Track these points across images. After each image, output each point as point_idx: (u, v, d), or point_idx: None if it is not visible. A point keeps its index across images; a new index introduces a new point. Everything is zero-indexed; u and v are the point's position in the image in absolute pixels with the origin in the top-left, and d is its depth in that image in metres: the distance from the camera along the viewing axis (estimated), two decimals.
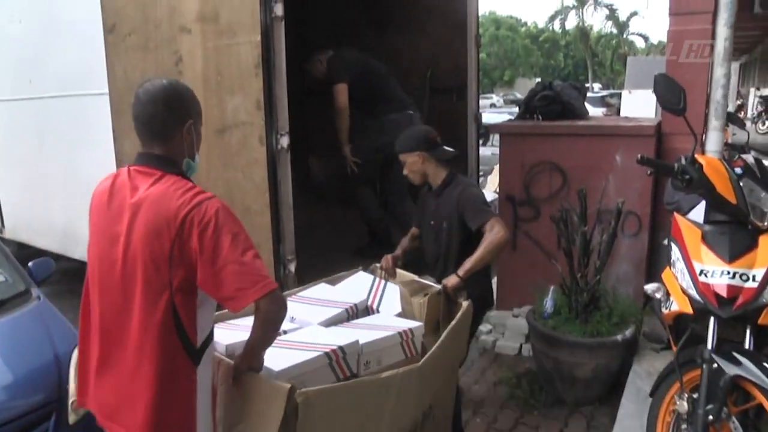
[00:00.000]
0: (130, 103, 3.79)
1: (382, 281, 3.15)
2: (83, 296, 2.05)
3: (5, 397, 2.67)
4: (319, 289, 3.00)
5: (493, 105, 35.99)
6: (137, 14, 3.70)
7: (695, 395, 2.50)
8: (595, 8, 49.39)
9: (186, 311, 1.83)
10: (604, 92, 24.15)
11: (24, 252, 5.38)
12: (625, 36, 50.65)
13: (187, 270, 1.80)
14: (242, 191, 3.53)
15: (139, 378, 1.83)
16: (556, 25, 52.53)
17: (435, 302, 2.94)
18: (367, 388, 2.30)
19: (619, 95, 17.49)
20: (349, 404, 2.20)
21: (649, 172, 3.22)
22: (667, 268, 2.76)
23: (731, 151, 3.54)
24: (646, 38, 50.12)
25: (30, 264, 3.68)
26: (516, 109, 6.29)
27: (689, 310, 2.56)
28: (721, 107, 4.15)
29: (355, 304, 2.84)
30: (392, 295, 3.04)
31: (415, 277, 3.27)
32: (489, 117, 9.76)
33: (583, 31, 50.28)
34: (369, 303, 2.95)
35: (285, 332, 2.36)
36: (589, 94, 5.71)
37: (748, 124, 17.60)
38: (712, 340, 2.50)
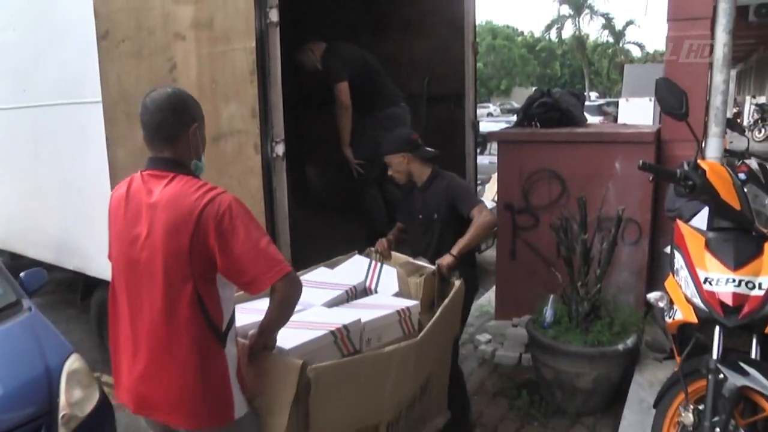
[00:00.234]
0: (123, 111, 3.85)
1: (378, 263, 3.35)
2: (110, 297, 2.19)
3: None
4: (319, 273, 3.19)
5: (490, 114, 36.09)
6: (131, 21, 3.65)
7: (701, 407, 2.45)
8: (591, 17, 49.52)
9: (209, 299, 1.98)
10: (601, 101, 24.20)
11: (17, 262, 5.33)
12: (621, 45, 50.79)
13: (206, 261, 1.94)
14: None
15: (173, 366, 1.98)
16: (553, 35, 52.61)
17: (430, 282, 3.17)
18: (372, 363, 2.49)
19: (616, 104, 17.49)
20: (355, 378, 2.39)
21: (650, 178, 3.16)
22: (671, 276, 2.71)
23: (730, 157, 3.51)
24: (642, 47, 50.17)
25: (21, 274, 3.63)
26: (513, 118, 6.27)
27: (694, 319, 2.51)
28: (720, 113, 4.12)
29: (354, 286, 3.01)
30: (389, 276, 3.22)
31: (410, 259, 3.44)
32: (486, 126, 9.74)
33: (579, 40, 50.41)
34: (367, 284, 3.13)
35: None
36: (586, 103, 5.70)
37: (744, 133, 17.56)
38: (718, 349, 2.45)
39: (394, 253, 3.53)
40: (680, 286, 2.61)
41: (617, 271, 4.39)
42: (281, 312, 2.06)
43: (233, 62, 3.31)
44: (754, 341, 2.50)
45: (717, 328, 2.46)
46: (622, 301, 4.15)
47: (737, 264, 2.47)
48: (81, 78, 4.22)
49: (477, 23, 5.31)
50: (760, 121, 20.24)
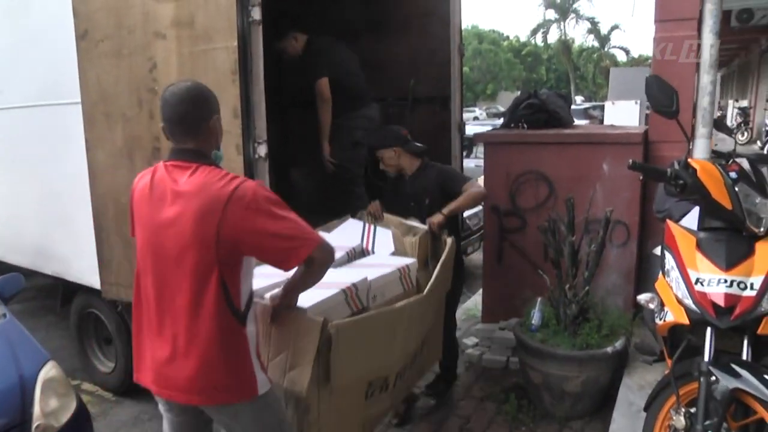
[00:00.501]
0: (103, 112, 3.77)
1: (372, 225, 3.60)
2: (135, 282, 2.27)
3: None
4: None
5: (476, 118, 36.13)
6: (110, 20, 3.56)
7: (692, 410, 2.41)
8: (576, 22, 49.96)
9: (232, 283, 2.09)
10: (587, 104, 24.33)
11: None
12: (606, 49, 51.20)
13: (233, 247, 2.05)
14: None
15: (198, 348, 2.08)
16: (539, 39, 53.04)
17: (424, 241, 3.41)
18: (386, 318, 2.71)
19: (602, 107, 17.55)
20: (371, 333, 2.61)
21: (640, 178, 3.15)
22: (661, 277, 2.67)
23: (717, 159, 3.48)
24: (627, 51, 50.65)
25: None
26: (499, 122, 6.24)
27: (685, 320, 2.47)
28: (708, 114, 4.11)
29: (353, 248, 3.16)
30: (383, 237, 3.45)
31: (402, 220, 3.66)
32: (472, 130, 9.73)
33: (565, 45, 50.79)
34: (364, 245, 3.30)
35: None
36: (572, 107, 5.70)
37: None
38: (710, 351, 2.41)
39: (386, 215, 3.75)
40: (671, 288, 2.57)
41: (605, 273, 4.35)
42: (313, 277, 2.22)
43: (215, 61, 3.24)
44: (745, 342, 2.46)
45: (709, 330, 2.42)
46: (610, 304, 4.12)
47: (729, 264, 2.43)
48: (59, 79, 4.13)
49: (463, 27, 5.27)
50: (742, 125, 20.43)
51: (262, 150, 3.29)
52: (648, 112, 6.80)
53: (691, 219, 2.75)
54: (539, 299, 4.01)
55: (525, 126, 5.00)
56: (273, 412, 2.28)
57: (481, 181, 4.77)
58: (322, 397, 2.46)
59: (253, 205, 2.03)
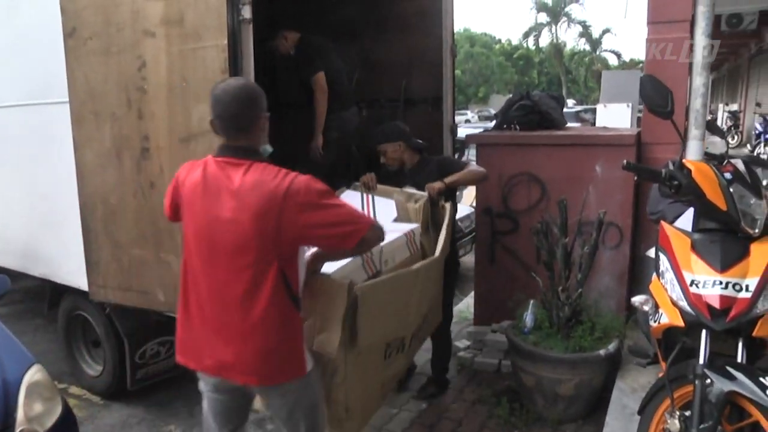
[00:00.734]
0: (91, 111, 3.71)
1: (369, 195, 3.75)
2: (182, 269, 2.39)
3: None
4: None
5: (468, 121, 36.11)
6: (99, 17, 3.51)
7: (687, 413, 2.38)
8: (568, 25, 50.14)
9: (290, 271, 2.24)
10: (579, 108, 24.37)
11: None
12: (598, 53, 51.40)
13: (292, 239, 2.19)
14: None
15: (258, 333, 2.21)
16: (530, 42, 53.18)
17: (426, 207, 3.54)
18: (405, 279, 2.89)
19: (594, 111, 17.60)
20: (392, 294, 2.80)
21: (634, 179, 3.12)
22: (656, 278, 2.64)
23: (710, 161, 3.46)
24: (619, 55, 50.84)
25: None
26: (491, 125, 6.21)
27: (680, 322, 2.45)
28: (700, 116, 4.09)
29: None
30: (383, 205, 3.60)
31: (397, 189, 3.79)
32: (464, 132, 9.72)
33: (556, 48, 50.95)
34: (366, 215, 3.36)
35: None
36: (564, 109, 5.68)
37: (718, 138, 17.81)
38: (705, 354, 2.38)
39: (379, 185, 3.87)
40: (666, 289, 2.54)
41: (598, 275, 4.33)
42: (356, 251, 2.44)
43: (204, 60, 3.19)
44: (740, 345, 2.43)
45: (704, 332, 2.39)
46: (603, 306, 4.09)
47: (724, 266, 2.40)
48: (47, 77, 4.07)
49: (455, 30, 5.25)
50: (733, 128, 20.54)
51: None
52: (640, 115, 6.79)
53: (685, 220, 2.73)
54: (532, 302, 3.98)
55: (517, 127, 4.99)
56: (315, 390, 2.46)
57: (471, 165, 4.77)
58: (348, 359, 2.61)
59: (308, 200, 2.15)
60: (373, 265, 2.87)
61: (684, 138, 3.97)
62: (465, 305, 5.75)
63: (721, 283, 2.38)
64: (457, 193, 7.06)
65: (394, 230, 3.13)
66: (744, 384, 2.26)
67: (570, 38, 53.79)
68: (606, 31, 52.36)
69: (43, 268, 4.69)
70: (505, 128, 5.10)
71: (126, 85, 3.50)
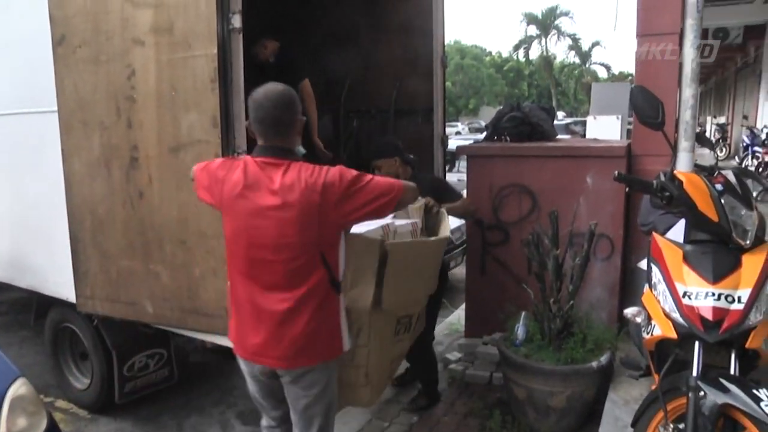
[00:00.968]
0: (80, 120, 3.68)
1: None
2: (228, 267, 2.59)
3: None
4: None
5: (458, 133, 36.36)
6: (88, 25, 3.49)
7: (681, 425, 2.37)
8: (558, 38, 50.55)
9: (332, 258, 2.44)
10: (569, 120, 24.53)
11: None
12: (587, 65, 51.82)
13: (334, 227, 2.41)
14: (197, 214, 3.31)
15: (301, 317, 2.39)
16: (520, 55, 53.51)
17: (422, 209, 3.61)
18: (427, 245, 3.27)
19: (583, 123, 17.70)
20: (413, 258, 3.07)
21: (626, 190, 3.13)
22: (648, 290, 2.63)
23: (700, 172, 3.47)
24: (608, 68, 51.30)
25: None
26: (481, 137, 6.22)
27: (673, 334, 2.43)
28: (690, 128, 4.10)
29: None
30: None
31: None
32: (454, 144, 9.74)
33: (546, 61, 51.32)
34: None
35: None
36: (554, 122, 5.70)
37: (706, 151, 18.01)
38: (698, 366, 2.36)
39: None
40: (658, 301, 2.53)
41: (589, 287, 4.32)
42: (396, 210, 2.64)
43: (194, 69, 3.18)
44: (733, 356, 2.43)
45: (697, 344, 2.38)
46: (594, 318, 4.08)
47: (716, 277, 2.40)
48: (35, 86, 4.04)
49: (445, 42, 5.26)
50: (721, 140, 20.68)
51: None
52: (629, 127, 6.80)
53: (677, 232, 2.72)
54: (523, 313, 3.96)
55: (508, 139, 4.98)
56: (334, 389, 2.67)
57: (464, 194, 4.76)
58: (372, 320, 2.86)
59: (343, 190, 2.33)
60: (390, 238, 3.09)
61: (674, 149, 3.98)
62: (456, 317, 5.72)
63: (713, 294, 2.37)
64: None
65: (399, 219, 3.34)
66: (737, 396, 2.25)
67: (560, 51, 54.33)
68: (595, 44, 53.12)
69: (30, 279, 4.63)
70: (495, 140, 5.09)
71: (115, 93, 3.48)
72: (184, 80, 3.22)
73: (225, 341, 3.48)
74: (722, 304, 2.35)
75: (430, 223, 3.62)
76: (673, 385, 2.45)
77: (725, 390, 2.27)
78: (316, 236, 2.36)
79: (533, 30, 50.48)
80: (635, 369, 3.21)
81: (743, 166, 14.04)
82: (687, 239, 2.59)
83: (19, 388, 2.70)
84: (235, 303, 2.57)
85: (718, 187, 2.55)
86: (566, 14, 49.70)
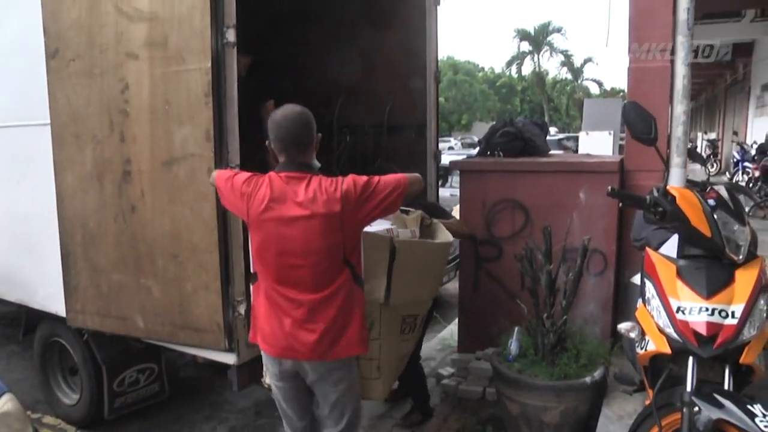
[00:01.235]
0: (73, 134, 3.66)
1: None
2: (259, 272, 2.74)
3: None
4: None
5: (451, 148, 36.38)
6: (82, 39, 3.49)
7: None
8: (551, 54, 50.80)
9: (354, 257, 2.69)
10: (561, 135, 24.64)
11: None
12: (579, 81, 52.12)
13: (355, 229, 2.66)
14: (189, 228, 3.31)
15: (329, 314, 2.62)
16: (513, 71, 53.78)
17: (419, 219, 3.73)
18: (430, 248, 3.47)
19: (576, 138, 17.81)
20: (420, 256, 3.32)
21: (619, 205, 3.13)
22: (642, 305, 2.63)
23: (693, 187, 3.49)
24: (600, 84, 51.64)
25: None
26: (474, 152, 6.23)
27: (667, 349, 2.43)
28: (682, 143, 4.12)
29: None
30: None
31: None
32: (447, 159, 9.78)
33: (539, 77, 51.56)
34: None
35: None
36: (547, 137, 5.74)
37: (698, 166, 18.10)
38: (692, 381, 2.36)
39: None
40: (652, 316, 2.53)
41: (583, 302, 4.31)
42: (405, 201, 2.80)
43: (188, 83, 3.18)
44: (727, 372, 2.42)
45: (691, 359, 2.38)
46: (588, 333, 4.07)
47: (710, 292, 2.40)
48: (28, 98, 4.03)
49: (438, 58, 5.28)
50: (711, 156, 20.82)
51: None
52: (622, 142, 6.85)
53: (670, 247, 2.73)
54: (516, 328, 3.95)
55: (501, 154, 4.99)
56: (358, 386, 2.92)
57: (456, 209, 4.76)
58: (383, 314, 3.09)
59: (358, 195, 2.57)
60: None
61: (666, 165, 4.00)
62: (449, 332, 5.70)
63: (707, 309, 2.37)
64: None
65: (399, 229, 3.49)
66: (732, 412, 2.24)
67: (552, 67, 54.51)
68: (588, 60, 53.19)
69: (19, 293, 4.59)
70: (489, 155, 5.10)
71: (108, 107, 3.47)
72: (178, 94, 3.22)
73: (216, 356, 3.47)
74: (716, 319, 2.35)
75: (425, 237, 3.64)
76: (667, 401, 2.45)
77: (720, 405, 2.27)
78: (341, 240, 2.58)
79: (526, 46, 50.73)
80: (629, 384, 3.20)
81: (734, 181, 14.13)
82: (680, 254, 2.59)
83: (5, 403, 2.66)
84: (264, 305, 2.73)
85: (711, 202, 2.56)
86: (558, 31, 49.87)
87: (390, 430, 4.09)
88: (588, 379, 3.64)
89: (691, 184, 3.40)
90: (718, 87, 25.98)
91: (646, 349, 2.56)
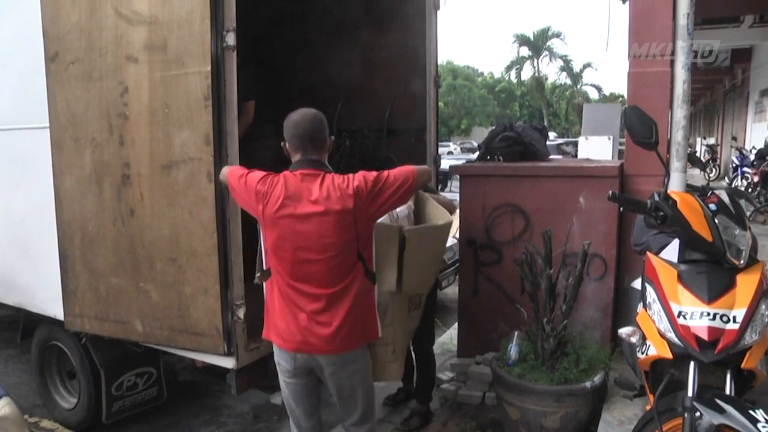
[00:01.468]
0: (72, 137, 3.66)
1: None
2: (272, 268, 2.79)
3: None
4: None
5: (450, 153, 36.51)
6: (81, 42, 3.48)
7: None
8: (550, 59, 50.85)
9: (366, 252, 2.78)
10: (560, 140, 24.69)
11: None
12: (579, 87, 52.17)
13: (367, 223, 2.75)
14: (188, 232, 3.29)
15: (344, 307, 2.70)
16: (512, 76, 53.82)
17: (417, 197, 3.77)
18: (436, 229, 3.50)
19: (575, 143, 17.84)
20: (428, 241, 3.41)
21: (619, 209, 3.12)
22: (643, 310, 2.62)
23: (693, 192, 3.49)
24: (599, 89, 51.67)
25: None
26: (473, 157, 6.22)
27: (668, 354, 2.42)
28: (682, 148, 4.13)
29: None
30: None
31: None
32: (446, 163, 9.80)
33: (538, 82, 51.61)
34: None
35: None
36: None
37: (697, 171, 18.16)
38: (693, 386, 2.35)
39: None
40: (653, 321, 2.51)
41: (583, 307, 4.30)
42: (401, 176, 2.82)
43: (187, 87, 3.17)
44: (728, 377, 2.41)
45: (692, 364, 2.37)
46: (588, 338, 4.06)
47: (711, 297, 2.39)
48: (27, 102, 4.02)
49: (438, 63, 5.28)
50: (711, 161, 20.85)
51: None
52: (621, 147, 6.85)
53: (671, 251, 2.72)
54: (516, 333, 3.94)
55: (501, 158, 4.99)
56: (370, 374, 3.00)
57: (456, 214, 4.74)
58: (394, 301, 3.17)
59: (369, 191, 2.68)
60: (393, 222, 3.39)
61: (667, 169, 4.00)
62: (448, 337, 5.69)
63: (708, 314, 2.36)
64: None
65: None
66: (734, 417, 2.23)
67: (551, 72, 54.38)
68: (587, 65, 53.37)
69: (17, 296, 4.58)
70: (488, 159, 5.10)
71: (108, 110, 3.46)
72: (177, 98, 3.21)
73: (215, 360, 3.46)
74: (717, 323, 2.34)
75: (418, 209, 3.77)
76: (668, 406, 2.43)
77: (721, 410, 2.25)
78: (354, 235, 2.67)
79: (525, 51, 50.78)
80: (629, 389, 3.20)
81: (733, 186, 14.15)
82: (681, 259, 2.58)
83: (2, 408, 2.65)
84: (278, 302, 2.79)
85: (712, 207, 2.55)
86: (558, 36, 49.94)
87: None
88: (588, 384, 3.63)
89: (691, 188, 3.40)
90: (716, 92, 26.03)
91: (647, 354, 2.55)
